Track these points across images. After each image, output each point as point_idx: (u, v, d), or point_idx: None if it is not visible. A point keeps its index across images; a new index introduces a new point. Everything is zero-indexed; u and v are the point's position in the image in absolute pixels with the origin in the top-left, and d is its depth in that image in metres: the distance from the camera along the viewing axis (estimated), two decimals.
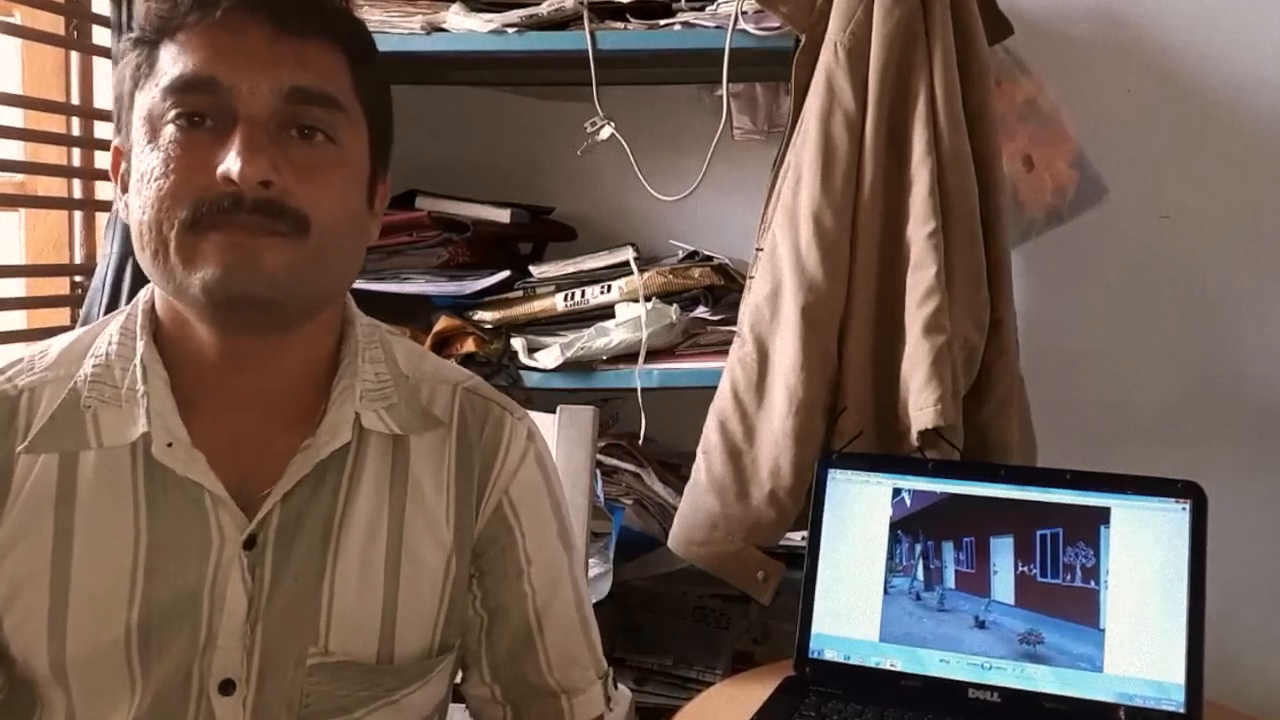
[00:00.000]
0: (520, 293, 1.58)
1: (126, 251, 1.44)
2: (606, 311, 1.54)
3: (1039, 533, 1.11)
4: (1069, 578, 1.09)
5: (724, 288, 1.56)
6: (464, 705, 0.94)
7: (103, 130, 1.59)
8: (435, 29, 1.51)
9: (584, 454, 1.21)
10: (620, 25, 1.51)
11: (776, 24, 1.43)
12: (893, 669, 1.11)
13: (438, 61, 1.59)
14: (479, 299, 1.58)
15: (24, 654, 0.76)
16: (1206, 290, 1.74)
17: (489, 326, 1.56)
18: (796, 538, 1.37)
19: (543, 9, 1.49)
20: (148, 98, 0.75)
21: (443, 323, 1.55)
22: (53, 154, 1.57)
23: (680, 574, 1.61)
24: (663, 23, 1.50)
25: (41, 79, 1.56)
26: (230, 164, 0.72)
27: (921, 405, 1.24)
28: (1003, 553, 1.11)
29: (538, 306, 1.56)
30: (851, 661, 1.12)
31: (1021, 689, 1.07)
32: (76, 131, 1.58)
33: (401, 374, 0.87)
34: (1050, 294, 1.74)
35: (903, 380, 1.28)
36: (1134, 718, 1.04)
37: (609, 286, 1.54)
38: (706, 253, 1.60)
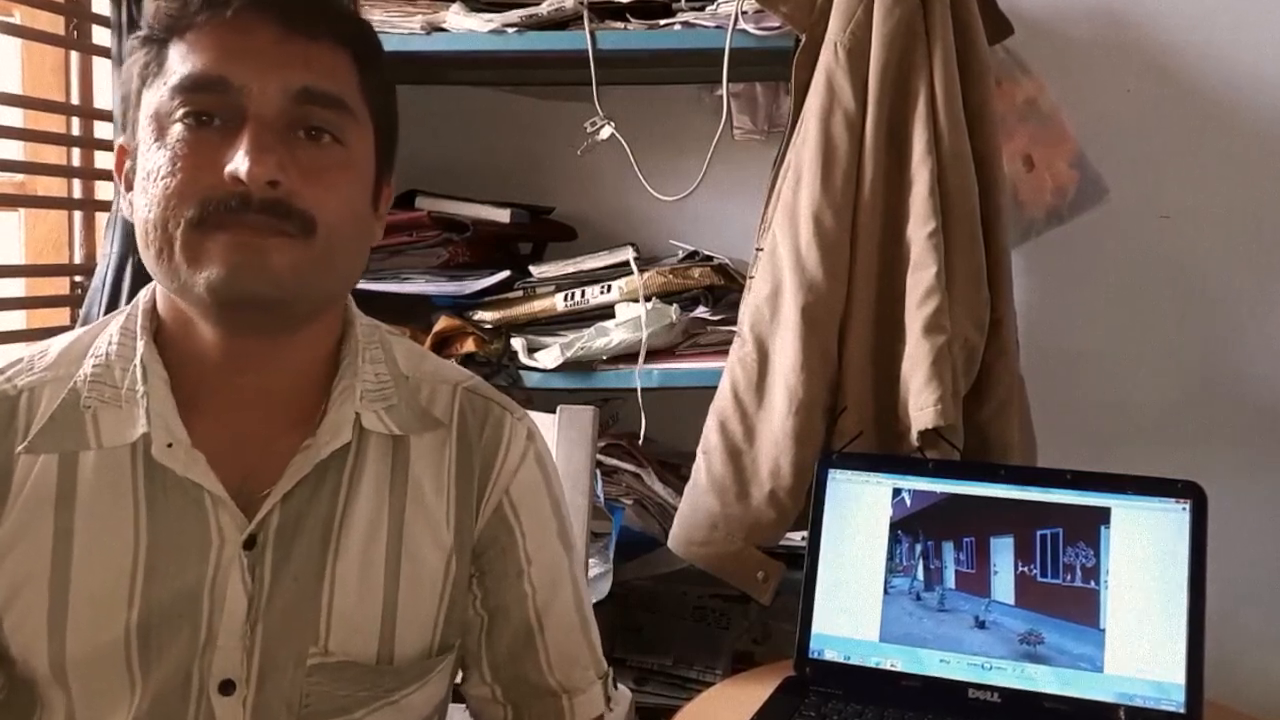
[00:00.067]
0: (520, 293, 1.58)
1: (126, 251, 1.44)
2: (606, 311, 1.54)
3: (1039, 533, 1.11)
4: (1069, 578, 1.09)
5: (724, 288, 1.56)
6: (464, 705, 0.94)
7: (103, 130, 1.59)
8: (435, 29, 1.52)
9: (584, 454, 1.21)
10: (620, 25, 1.51)
11: (776, 24, 1.43)
12: (893, 669, 1.11)
13: (438, 61, 1.59)
14: (479, 299, 1.58)
15: (24, 654, 0.76)
16: (1206, 290, 1.74)
17: (489, 326, 1.56)
18: (796, 538, 1.37)
19: (543, 9, 1.49)
20: (156, 96, 0.75)
21: (443, 323, 1.55)
22: (53, 154, 1.57)
23: (680, 574, 1.61)
24: (663, 23, 1.50)
25: (41, 79, 1.56)
26: (239, 163, 0.72)
27: (921, 405, 1.24)
28: (1003, 553, 1.11)
29: (538, 306, 1.56)
30: (851, 662, 1.12)
31: (1022, 689, 1.07)
32: (76, 131, 1.58)
33: (401, 374, 0.87)
34: (1050, 294, 1.74)
35: (903, 380, 1.28)
36: (1134, 718, 1.04)
37: (609, 286, 1.54)
38: (706, 253, 1.60)
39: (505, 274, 1.57)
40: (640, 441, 1.56)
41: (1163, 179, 1.73)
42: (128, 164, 0.79)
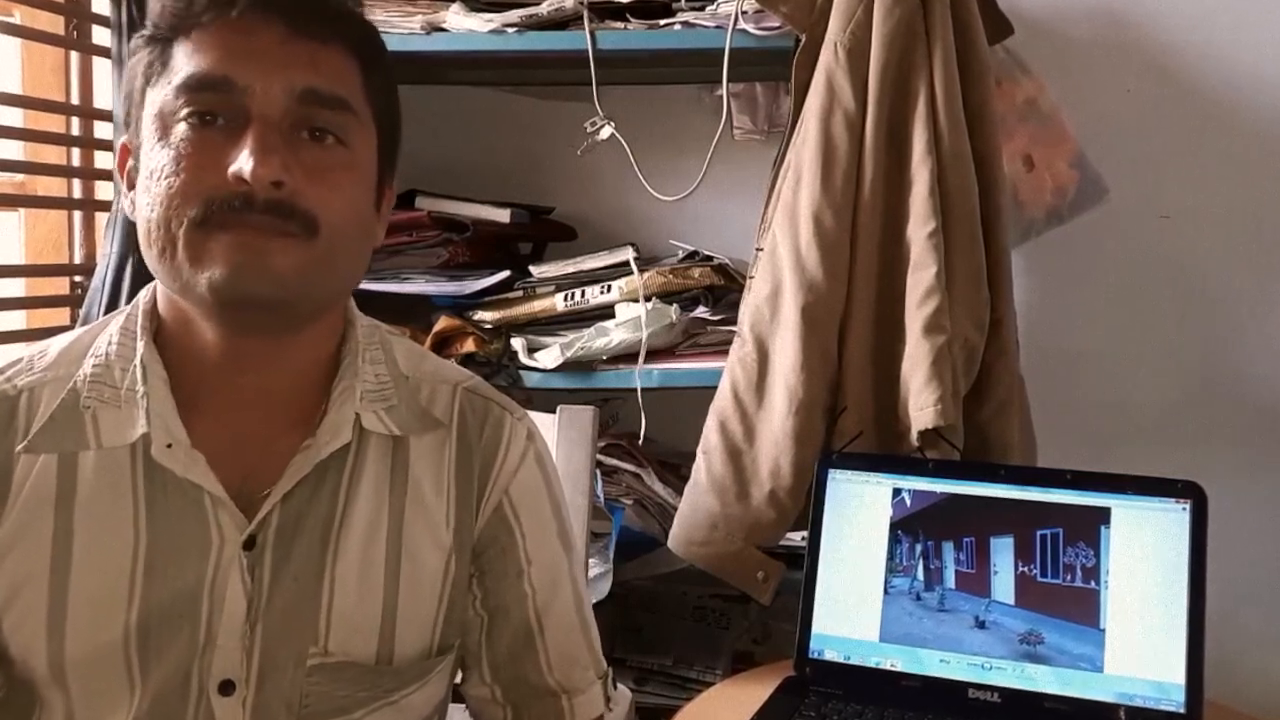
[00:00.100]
0: (520, 293, 1.58)
1: (126, 251, 1.44)
2: (606, 311, 1.54)
3: (1039, 533, 1.11)
4: (1069, 578, 1.09)
5: (724, 288, 1.56)
6: (464, 705, 0.94)
7: (103, 130, 1.59)
8: (435, 29, 1.52)
9: (584, 454, 1.21)
10: (620, 25, 1.51)
11: (776, 24, 1.43)
12: (893, 669, 1.11)
13: (438, 61, 1.59)
14: (479, 299, 1.58)
15: (23, 654, 0.76)
16: (1206, 290, 1.74)
17: (489, 326, 1.56)
18: (796, 538, 1.37)
19: (543, 9, 1.49)
20: (160, 95, 0.75)
21: (443, 323, 1.55)
22: (52, 154, 1.57)
23: (680, 574, 1.61)
24: (663, 23, 1.50)
25: (41, 79, 1.56)
26: (243, 163, 0.72)
27: (922, 405, 1.24)
28: (1003, 553, 1.11)
29: (538, 306, 1.56)
30: (851, 662, 1.12)
31: (1022, 689, 1.07)
32: (76, 131, 1.58)
33: (401, 374, 0.87)
34: (1050, 294, 1.74)
35: (903, 380, 1.27)
36: (1134, 718, 1.04)
37: (609, 286, 1.54)
38: (706, 253, 1.60)
39: (505, 274, 1.57)
40: (640, 441, 1.56)
41: (1163, 179, 1.73)
42: (130, 162, 0.80)
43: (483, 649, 0.88)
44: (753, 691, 1.10)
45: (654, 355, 1.52)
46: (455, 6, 1.52)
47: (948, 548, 1.13)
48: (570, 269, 1.57)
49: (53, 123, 1.56)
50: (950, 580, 1.12)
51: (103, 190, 1.60)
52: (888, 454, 1.30)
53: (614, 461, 1.63)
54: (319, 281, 0.77)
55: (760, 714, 1.06)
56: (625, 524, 1.58)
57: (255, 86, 0.74)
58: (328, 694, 0.79)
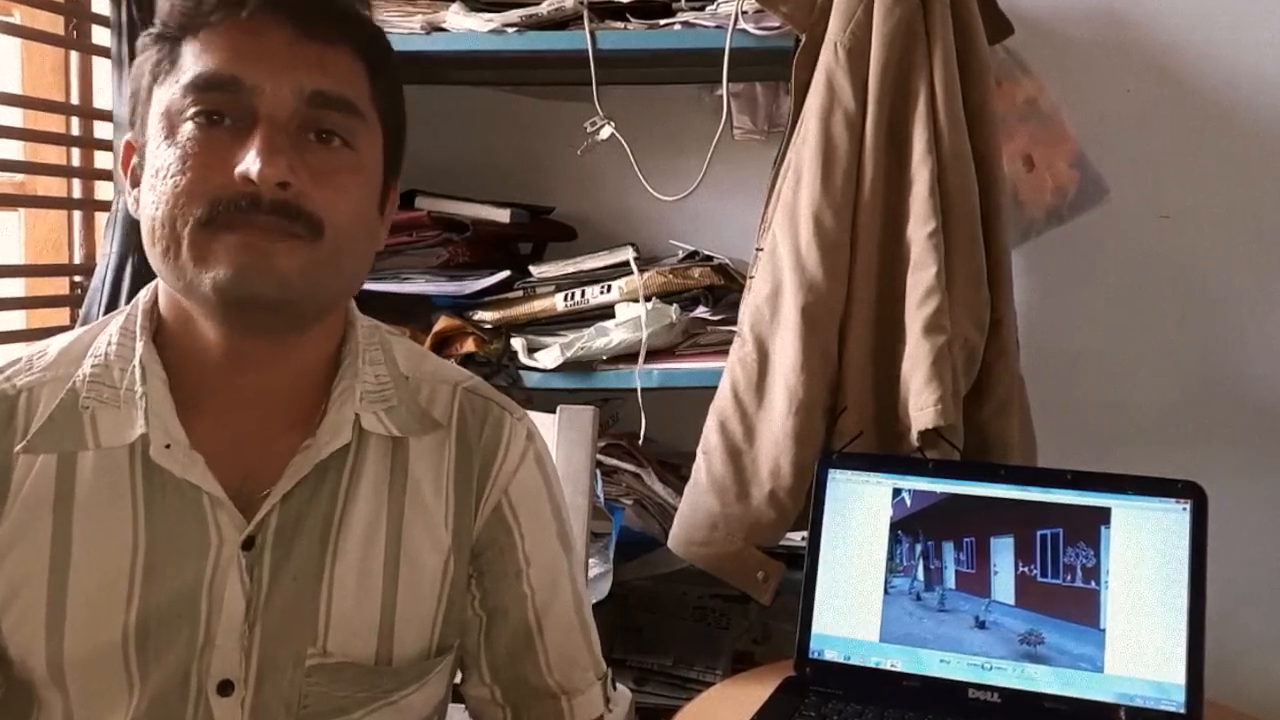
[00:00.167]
0: (520, 293, 1.58)
1: (126, 251, 1.44)
2: (606, 311, 1.54)
3: (1039, 533, 1.11)
4: (1069, 578, 1.09)
5: (724, 288, 1.56)
6: (463, 706, 0.94)
7: (103, 130, 1.59)
8: (435, 29, 1.52)
9: (584, 454, 1.21)
10: (620, 25, 1.50)
11: (776, 24, 1.43)
12: (893, 669, 1.11)
13: (438, 61, 1.59)
14: (479, 299, 1.58)
15: (22, 655, 0.76)
16: (1206, 290, 1.74)
17: (489, 326, 1.56)
18: (796, 538, 1.37)
19: (543, 9, 1.49)
20: (167, 93, 0.75)
21: (443, 323, 1.55)
22: (52, 154, 1.57)
23: (680, 574, 1.61)
24: (663, 22, 1.50)
25: (41, 79, 1.56)
26: (250, 164, 0.72)
27: (922, 405, 1.24)
28: (1003, 553, 1.11)
29: (538, 306, 1.56)
30: (852, 662, 1.12)
31: (1022, 689, 1.07)
32: (76, 131, 1.58)
33: (401, 375, 0.87)
34: (1050, 294, 1.74)
35: (903, 380, 1.27)
36: (1134, 718, 1.04)
37: (609, 286, 1.54)
38: (706, 253, 1.60)
39: (505, 274, 1.57)
40: (640, 441, 1.56)
41: (1163, 179, 1.73)
42: (134, 160, 0.80)
43: (482, 649, 0.88)
44: (753, 691, 1.10)
45: (654, 355, 1.52)
46: (455, 6, 1.52)
47: (948, 548, 1.13)
48: (570, 269, 1.57)
49: (53, 123, 1.56)
50: (950, 580, 1.12)
51: (103, 190, 1.60)
52: (888, 454, 1.30)
53: (614, 461, 1.63)
54: (323, 283, 0.77)
55: (760, 714, 1.05)
56: (625, 524, 1.58)
57: (264, 87, 0.74)
58: (327, 694, 0.79)
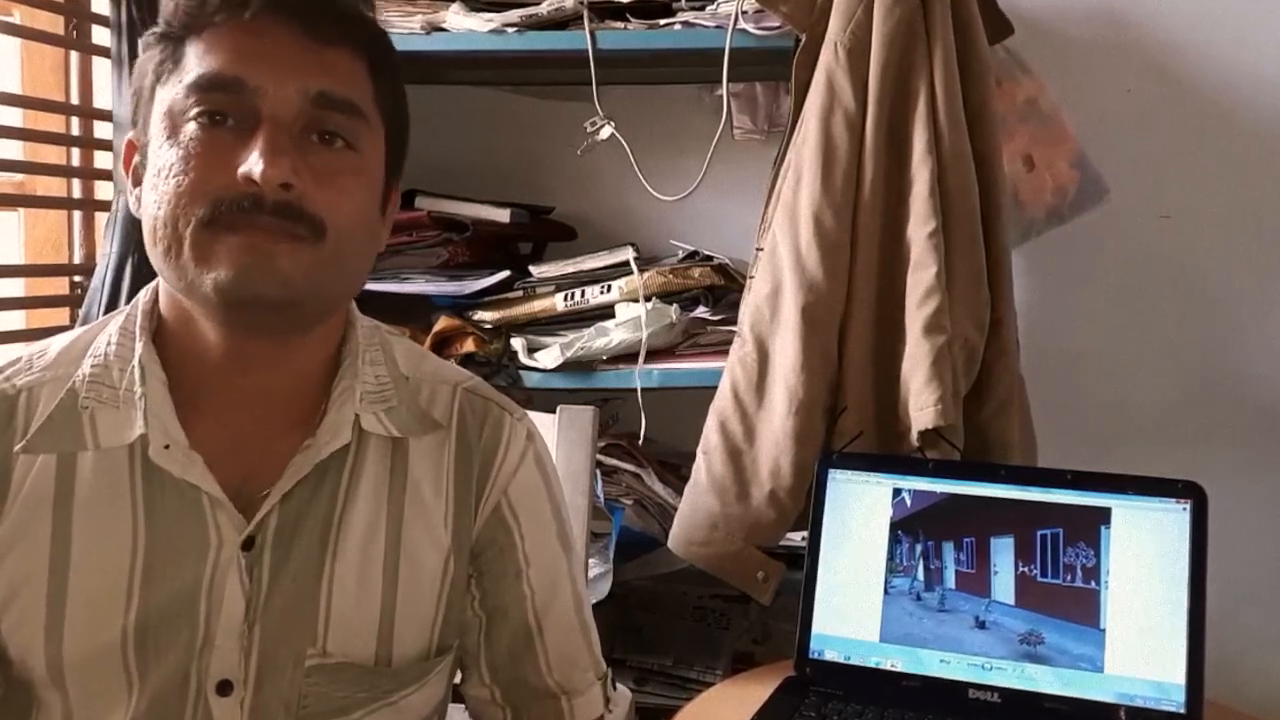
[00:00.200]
0: (520, 293, 1.58)
1: (126, 251, 1.44)
2: (606, 311, 1.54)
3: (1039, 533, 1.11)
4: (1069, 578, 1.09)
5: (724, 288, 1.56)
6: (463, 706, 0.94)
7: (102, 130, 1.59)
8: (435, 29, 1.52)
9: (584, 454, 1.20)
10: (620, 25, 1.51)
11: (776, 24, 1.43)
12: (893, 669, 1.11)
13: (438, 61, 1.59)
14: (479, 299, 1.58)
15: (21, 655, 0.76)
16: (1206, 290, 1.74)
17: (489, 326, 1.56)
18: (796, 538, 1.37)
19: (543, 9, 1.49)
20: (170, 93, 0.75)
21: (443, 323, 1.55)
22: (52, 154, 1.57)
23: (680, 574, 1.61)
24: (663, 22, 1.50)
25: (41, 79, 1.56)
26: (253, 165, 0.72)
27: (922, 405, 1.24)
28: (1003, 553, 1.11)
29: (538, 306, 1.56)
30: (852, 662, 1.12)
31: (1022, 689, 1.07)
32: (76, 131, 1.58)
33: (401, 375, 0.87)
34: (1050, 294, 1.74)
35: (903, 380, 1.27)
36: (1134, 718, 1.04)
37: (609, 286, 1.54)
38: (706, 253, 1.60)
39: (505, 274, 1.57)
40: (640, 441, 1.56)
41: (1163, 179, 1.73)
42: (136, 158, 0.79)
43: (481, 650, 0.88)
44: (753, 692, 1.10)
45: (654, 355, 1.52)
46: (455, 6, 1.52)
47: (948, 548, 1.13)
48: (570, 269, 1.57)
49: (52, 123, 1.56)
50: (950, 580, 1.12)
51: (102, 190, 1.60)
52: (888, 454, 1.30)
53: (614, 461, 1.63)
54: (325, 285, 0.77)
55: (760, 714, 1.05)
56: (625, 524, 1.58)
57: (267, 88, 0.74)
58: (326, 695, 0.79)
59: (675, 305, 1.52)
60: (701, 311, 1.54)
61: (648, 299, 1.50)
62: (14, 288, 1.52)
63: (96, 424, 0.77)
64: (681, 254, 1.62)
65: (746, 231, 1.50)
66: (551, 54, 1.53)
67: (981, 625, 1.10)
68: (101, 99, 1.59)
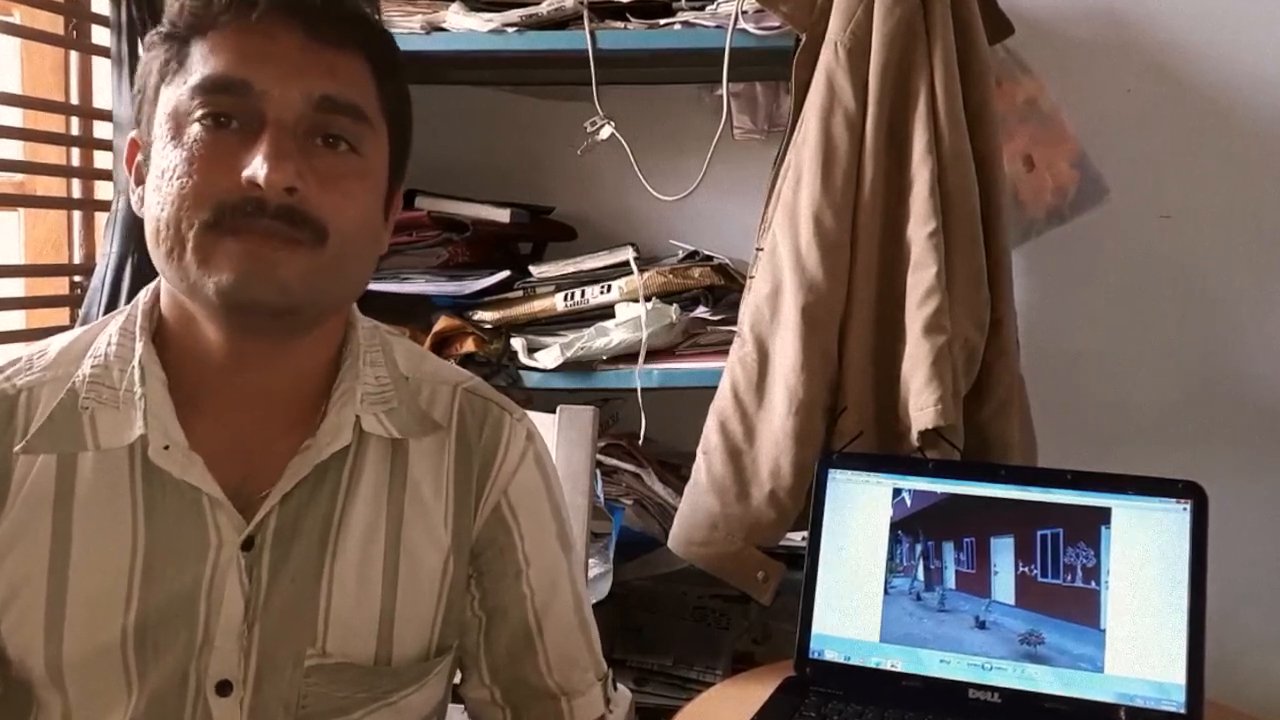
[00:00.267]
0: (520, 293, 1.58)
1: (126, 251, 1.44)
2: (606, 311, 1.54)
3: (1039, 533, 1.11)
4: (1069, 578, 1.09)
5: (724, 288, 1.56)
6: (463, 706, 0.94)
7: (102, 130, 1.59)
8: (435, 28, 1.52)
9: (584, 454, 1.20)
10: (620, 25, 1.50)
11: (776, 23, 1.43)
12: (893, 669, 1.11)
13: (438, 61, 1.59)
14: (479, 299, 1.58)
15: (21, 655, 0.76)
16: (1206, 290, 1.74)
17: (489, 326, 1.56)
18: (796, 538, 1.37)
19: (543, 8, 1.49)
20: (174, 94, 0.75)
21: (443, 323, 1.55)
22: (52, 154, 1.57)
23: (680, 574, 1.61)
24: (663, 22, 1.50)
25: (41, 79, 1.56)
26: (257, 168, 0.72)
27: (922, 405, 1.24)
28: (1003, 553, 1.11)
29: (538, 306, 1.56)
30: (852, 662, 1.12)
31: (1022, 689, 1.07)
32: (76, 131, 1.58)
33: (401, 376, 0.87)
34: (1050, 294, 1.74)
35: (903, 380, 1.27)
36: (1134, 718, 1.04)
37: (609, 286, 1.54)
38: (706, 253, 1.60)
39: (505, 274, 1.57)
40: (640, 441, 1.56)
41: (1163, 179, 1.73)
42: (139, 157, 0.79)
43: (481, 650, 0.88)
44: (753, 692, 1.10)
45: (654, 355, 1.52)
46: (455, 6, 1.52)
47: (948, 548, 1.13)
48: (570, 269, 1.57)
49: (52, 123, 1.56)
50: (950, 580, 1.12)
51: (102, 190, 1.60)
52: (888, 454, 1.30)
53: (614, 461, 1.63)
54: (326, 289, 0.77)
55: (760, 714, 1.05)
56: (625, 524, 1.58)
57: (272, 91, 0.74)
58: (326, 695, 0.79)
59: (675, 305, 1.52)
60: (701, 311, 1.54)
61: (648, 299, 1.50)
62: (14, 288, 1.52)
63: (96, 424, 0.77)
64: (681, 254, 1.62)
65: (746, 231, 1.50)
66: (551, 54, 1.53)
67: (981, 625, 1.10)
68: (101, 99, 1.59)
